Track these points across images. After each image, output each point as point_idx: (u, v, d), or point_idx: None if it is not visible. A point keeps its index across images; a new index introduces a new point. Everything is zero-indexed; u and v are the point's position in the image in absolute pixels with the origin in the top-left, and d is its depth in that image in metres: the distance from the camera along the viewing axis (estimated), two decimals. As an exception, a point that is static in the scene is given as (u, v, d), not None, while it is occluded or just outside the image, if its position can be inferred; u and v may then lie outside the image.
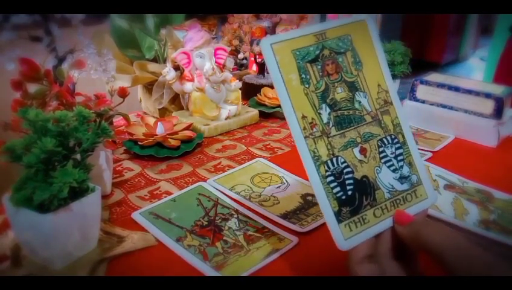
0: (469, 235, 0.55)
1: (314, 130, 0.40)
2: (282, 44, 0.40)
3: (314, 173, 0.39)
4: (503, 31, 2.26)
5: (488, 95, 0.84)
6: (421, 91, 0.93)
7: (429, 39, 4.20)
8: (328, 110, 0.41)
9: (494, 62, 2.12)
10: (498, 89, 0.86)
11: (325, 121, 0.40)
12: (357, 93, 0.42)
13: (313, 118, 0.40)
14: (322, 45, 0.41)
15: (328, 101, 0.41)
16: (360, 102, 0.42)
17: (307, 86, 0.40)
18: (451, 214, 0.60)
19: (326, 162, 0.40)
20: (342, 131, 0.41)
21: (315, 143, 0.40)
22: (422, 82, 0.93)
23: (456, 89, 0.88)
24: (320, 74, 0.41)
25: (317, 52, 0.41)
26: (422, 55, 4.15)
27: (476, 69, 4.14)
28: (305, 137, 0.39)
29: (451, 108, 0.89)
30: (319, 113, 0.40)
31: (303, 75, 0.40)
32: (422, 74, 0.97)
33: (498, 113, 0.83)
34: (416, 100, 0.94)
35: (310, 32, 0.41)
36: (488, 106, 0.84)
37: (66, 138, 0.45)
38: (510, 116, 0.87)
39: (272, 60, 0.39)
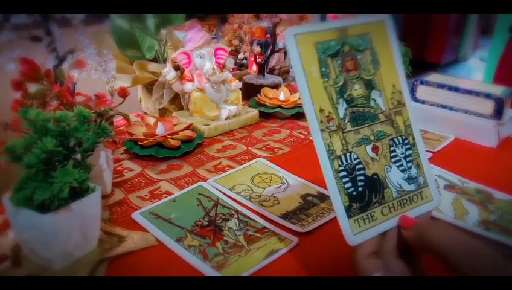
0: (469, 235, 0.55)
1: (331, 124, 0.40)
2: (305, 35, 0.40)
3: (328, 167, 0.39)
4: (503, 31, 2.26)
5: (488, 96, 0.84)
6: (421, 91, 0.93)
7: (429, 39, 4.20)
8: (345, 105, 0.41)
9: (494, 62, 2.12)
10: (498, 90, 0.86)
11: (341, 116, 0.41)
12: (373, 91, 0.42)
13: (330, 112, 0.40)
14: (343, 41, 0.41)
15: (345, 96, 0.41)
16: (375, 100, 0.42)
17: (326, 79, 0.40)
18: (452, 214, 0.60)
19: (340, 156, 0.40)
20: (357, 127, 0.41)
21: (330, 137, 0.40)
22: (422, 82, 0.93)
23: (456, 89, 0.88)
24: (340, 69, 0.41)
25: (338, 47, 0.41)
26: (422, 56, 4.15)
27: (475, 70, 4.14)
28: (322, 130, 0.40)
29: (451, 108, 0.89)
30: (336, 108, 0.40)
31: (323, 69, 0.40)
32: (422, 74, 0.97)
33: (498, 113, 0.83)
34: (416, 100, 0.94)
35: (332, 27, 0.41)
36: (488, 107, 0.84)
37: (67, 138, 0.45)
38: (510, 116, 0.87)
39: (295, 50, 0.39)
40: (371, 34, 0.43)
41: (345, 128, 0.41)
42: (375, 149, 0.42)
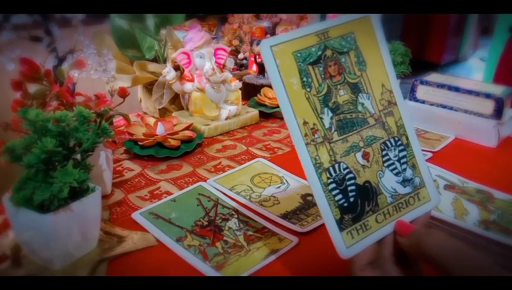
0: (469, 235, 0.55)
1: (316, 136, 0.38)
2: (282, 46, 0.38)
3: (316, 181, 0.38)
4: (503, 31, 2.26)
5: (488, 96, 0.84)
6: (421, 91, 0.93)
7: (429, 39, 4.20)
8: (330, 114, 0.39)
9: (494, 62, 2.12)
10: (498, 89, 0.86)
11: (327, 126, 0.39)
12: (360, 95, 0.40)
13: (314, 124, 0.38)
14: (324, 44, 0.39)
15: (330, 104, 0.39)
16: (363, 104, 0.40)
17: (308, 89, 0.38)
18: (451, 214, 0.60)
19: (328, 169, 0.38)
20: (345, 136, 0.39)
21: (317, 150, 0.38)
22: (422, 82, 0.93)
23: (456, 89, 0.88)
24: (322, 76, 0.39)
25: (319, 52, 0.39)
26: (422, 56, 4.15)
27: (476, 69, 4.13)
28: (307, 144, 0.38)
29: (451, 108, 0.89)
30: (321, 118, 0.39)
31: (304, 79, 0.38)
32: (422, 74, 0.97)
33: (498, 113, 0.83)
34: (416, 100, 0.94)
35: (311, 32, 0.39)
36: (488, 106, 0.84)
37: (66, 138, 0.45)
38: (510, 116, 0.87)
39: (272, 63, 0.37)
40: (355, 33, 0.40)
41: (331, 139, 0.39)
42: (365, 156, 0.40)
